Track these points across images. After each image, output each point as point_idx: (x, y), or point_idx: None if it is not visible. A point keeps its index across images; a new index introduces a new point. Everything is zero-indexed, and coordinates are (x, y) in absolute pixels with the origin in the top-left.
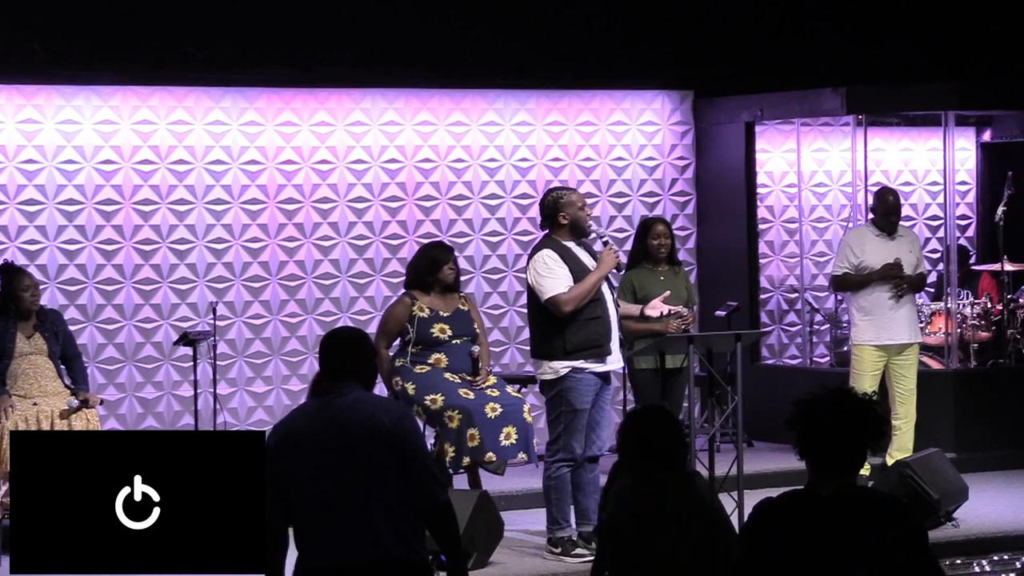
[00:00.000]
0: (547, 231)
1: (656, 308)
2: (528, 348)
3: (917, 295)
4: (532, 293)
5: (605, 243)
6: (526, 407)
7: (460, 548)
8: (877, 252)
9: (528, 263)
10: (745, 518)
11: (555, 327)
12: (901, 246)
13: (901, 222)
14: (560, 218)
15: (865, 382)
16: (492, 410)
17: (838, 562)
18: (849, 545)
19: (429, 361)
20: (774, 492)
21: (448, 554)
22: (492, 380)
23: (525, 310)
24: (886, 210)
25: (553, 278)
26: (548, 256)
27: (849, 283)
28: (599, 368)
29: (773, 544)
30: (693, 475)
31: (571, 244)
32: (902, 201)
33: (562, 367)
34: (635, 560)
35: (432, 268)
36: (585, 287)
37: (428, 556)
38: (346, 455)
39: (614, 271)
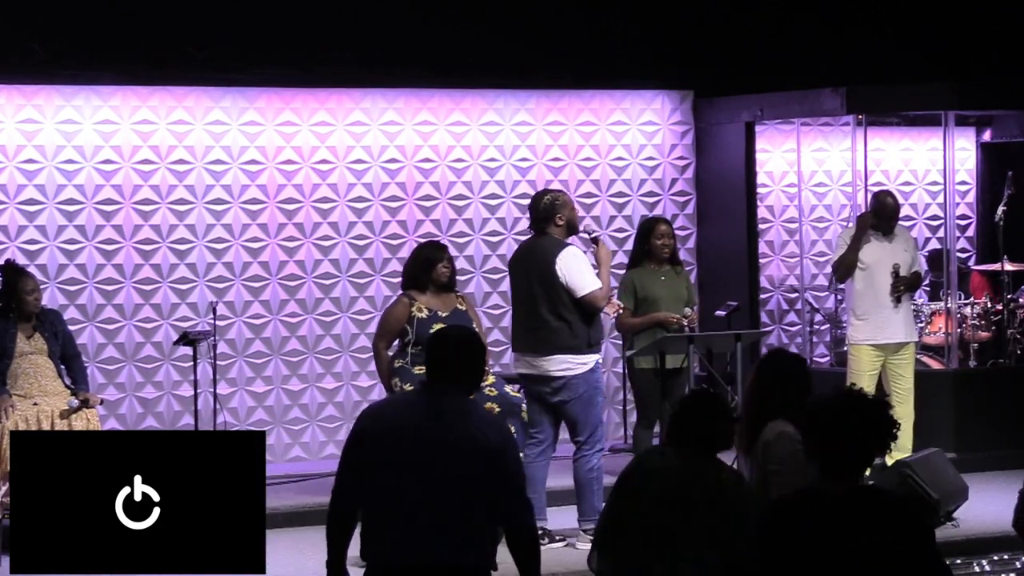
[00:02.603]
0: (536, 232)
1: (612, 306)
2: None
3: (915, 295)
4: (555, 289)
5: (595, 240)
6: (524, 407)
7: (537, 573)
8: (873, 251)
9: (554, 261)
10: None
11: (585, 322)
12: (896, 246)
13: (900, 222)
14: (557, 219)
15: (863, 382)
16: (489, 410)
17: (845, 562)
18: (856, 545)
19: None
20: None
21: None
22: (491, 379)
23: None
24: (885, 214)
25: (589, 273)
26: (578, 252)
27: (845, 260)
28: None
29: (783, 542)
30: (722, 466)
31: None
32: (901, 201)
33: (590, 360)
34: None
35: (426, 267)
36: (608, 282)
37: (495, 567)
38: (439, 459)
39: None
